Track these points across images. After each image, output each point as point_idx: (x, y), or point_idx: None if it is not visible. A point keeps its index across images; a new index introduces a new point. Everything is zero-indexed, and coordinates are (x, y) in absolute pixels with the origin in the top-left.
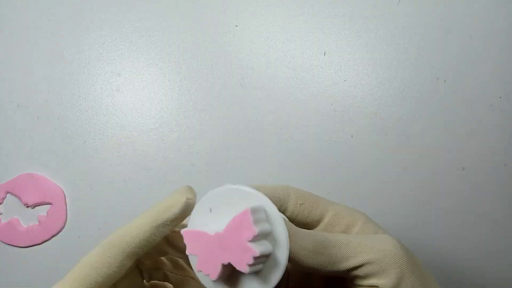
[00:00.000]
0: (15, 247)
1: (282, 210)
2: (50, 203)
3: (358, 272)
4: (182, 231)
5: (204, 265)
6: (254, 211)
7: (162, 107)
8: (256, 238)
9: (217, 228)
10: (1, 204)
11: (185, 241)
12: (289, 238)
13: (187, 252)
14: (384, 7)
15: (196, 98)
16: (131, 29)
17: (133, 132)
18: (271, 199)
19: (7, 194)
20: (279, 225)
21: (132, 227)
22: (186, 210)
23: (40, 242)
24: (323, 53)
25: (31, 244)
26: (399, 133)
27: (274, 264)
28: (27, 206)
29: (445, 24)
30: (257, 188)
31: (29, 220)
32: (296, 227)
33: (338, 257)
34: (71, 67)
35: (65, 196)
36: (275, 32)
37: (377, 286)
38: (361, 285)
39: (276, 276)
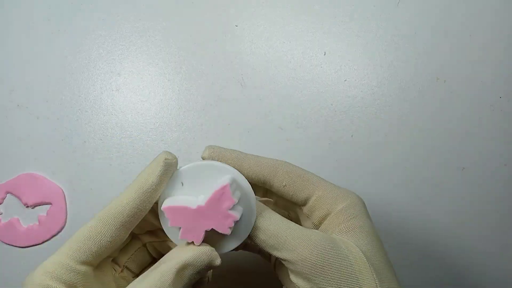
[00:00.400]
0: (15, 247)
1: (268, 187)
2: (50, 203)
3: (286, 264)
4: (163, 208)
5: (188, 233)
6: (231, 184)
7: (162, 107)
8: (234, 206)
9: (196, 201)
10: (1, 204)
11: (167, 216)
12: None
13: (170, 225)
14: (384, 7)
15: (196, 98)
16: (131, 29)
17: (133, 132)
18: (256, 178)
19: (7, 194)
20: (247, 189)
21: (122, 197)
22: (168, 170)
23: (40, 242)
24: (323, 53)
25: (31, 244)
26: (399, 133)
27: (243, 223)
28: (27, 206)
29: (445, 24)
30: (244, 159)
31: (29, 220)
32: (262, 207)
33: (268, 245)
34: (71, 67)
35: (65, 196)
36: (275, 32)
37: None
38: (291, 275)
39: (246, 231)
